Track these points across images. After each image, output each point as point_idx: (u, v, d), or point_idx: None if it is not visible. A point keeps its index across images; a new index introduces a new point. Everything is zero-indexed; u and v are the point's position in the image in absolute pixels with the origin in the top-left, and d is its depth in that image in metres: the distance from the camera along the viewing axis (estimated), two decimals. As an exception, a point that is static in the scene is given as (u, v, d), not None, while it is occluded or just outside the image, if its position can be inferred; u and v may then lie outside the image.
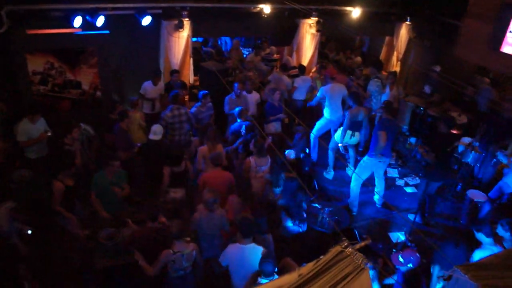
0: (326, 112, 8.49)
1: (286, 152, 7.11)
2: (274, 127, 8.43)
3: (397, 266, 4.95)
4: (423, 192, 7.10)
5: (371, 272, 4.78)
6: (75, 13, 7.55)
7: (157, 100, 8.57)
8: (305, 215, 6.18)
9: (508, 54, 7.47)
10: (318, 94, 8.48)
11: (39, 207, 5.53)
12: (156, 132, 6.87)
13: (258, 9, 9.71)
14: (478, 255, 5.13)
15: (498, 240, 5.24)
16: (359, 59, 12.71)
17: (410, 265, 4.72)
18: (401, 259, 4.77)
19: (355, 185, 7.40)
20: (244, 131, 7.22)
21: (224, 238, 5.56)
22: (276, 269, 4.47)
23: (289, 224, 6.02)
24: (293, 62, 10.99)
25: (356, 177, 7.33)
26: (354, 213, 7.44)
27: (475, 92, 9.21)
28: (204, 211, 5.25)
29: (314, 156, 8.79)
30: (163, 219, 5.35)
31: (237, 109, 7.72)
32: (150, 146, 7.00)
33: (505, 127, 7.81)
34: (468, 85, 9.22)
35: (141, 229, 5.26)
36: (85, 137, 7.28)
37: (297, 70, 10.22)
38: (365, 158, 7.27)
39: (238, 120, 7.64)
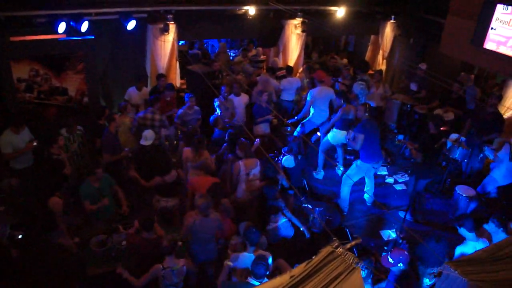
0: (311, 115, 8.52)
1: (283, 159, 7.09)
2: (262, 128, 8.43)
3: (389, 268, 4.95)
4: (413, 190, 7.15)
5: (364, 272, 4.81)
6: (59, 19, 7.50)
7: (142, 106, 8.52)
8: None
9: (491, 51, 7.56)
10: (308, 97, 8.47)
11: (29, 217, 5.45)
12: (147, 137, 6.83)
13: (243, 11, 9.73)
14: (459, 250, 5.19)
15: (481, 234, 5.31)
16: (345, 60, 12.79)
17: (400, 264, 4.72)
18: (390, 260, 4.77)
19: (345, 187, 7.41)
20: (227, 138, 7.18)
21: (218, 239, 5.56)
22: (268, 272, 4.45)
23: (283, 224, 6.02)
24: (280, 63, 11.02)
25: (346, 179, 7.35)
26: (345, 213, 7.46)
27: (461, 89, 9.31)
28: (198, 216, 5.23)
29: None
30: (161, 231, 5.32)
31: (211, 117, 7.70)
32: (141, 151, 6.97)
33: (490, 122, 7.90)
34: (455, 82, 9.32)
35: (134, 237, 5.22)
36: (81, 138, 7.24)
37: (284, 71, 10.24)
38: (358, 162, 7.27)
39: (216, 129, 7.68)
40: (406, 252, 4.82)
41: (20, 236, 5.21)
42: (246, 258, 4.80)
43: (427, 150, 6.74)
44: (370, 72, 10.85)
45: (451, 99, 9.30)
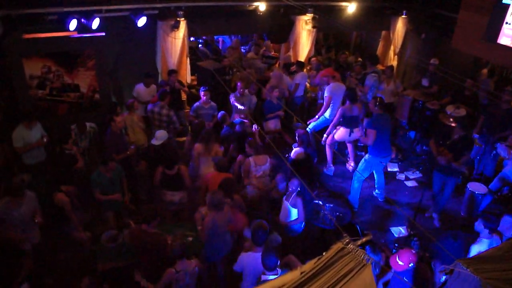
0: (327, 112, 8.46)
1: (293, 152, 7.05)
2: (273, 124, 8.42)
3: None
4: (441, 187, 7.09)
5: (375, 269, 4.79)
6: (70, 16, 7.53)
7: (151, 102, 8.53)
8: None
9: (505, 46, 7.46)
10: (326, 94, 8.40)
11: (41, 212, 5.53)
12: (158, 137, 6.86)
13: (254, 7, 9.69)
14: (474, 249, 5.14)
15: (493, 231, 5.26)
16: (353, 58, 12.69)
17: (411, 264, 4.67)
18: (400, 262, 4.71)
19: (356, 183, 7.39)
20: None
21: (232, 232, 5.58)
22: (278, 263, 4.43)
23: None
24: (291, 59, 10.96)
25: (357, 175, 7.32)
26: (355, 209, 7.44)
27: (474, 85, 9.22)
28: (213, 213, 5.22)
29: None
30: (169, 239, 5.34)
31: (219, 113, 7.69)
32: (150, 149, 7.01)
33: (504, 119, 7.80)
34: (467, 77, 9.25)
35: (134, 231, 5.25)
36: (92, 135, 7.30)
37: (294, 66, 10.20)
38: (367, 156, 7.25)
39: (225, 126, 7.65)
40: (413, 251, 4.76)
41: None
42: (251, 258, 4.80)
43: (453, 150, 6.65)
44: (381, 67, 10.75)
45: (464, 96, 9.20)
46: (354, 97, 7.86)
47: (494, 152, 7.90)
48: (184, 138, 9.08)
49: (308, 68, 10.65)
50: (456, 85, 8.99)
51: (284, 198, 6.02)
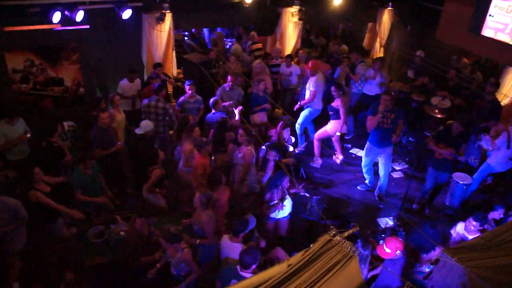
0: (314, 103, 8.49)
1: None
2: (259, 117, 8.40)
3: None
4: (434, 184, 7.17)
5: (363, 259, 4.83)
6: (53, 8, 7.41)
7: (137, 97, 8.48)
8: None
9: (489, 38, 7.53)
10: (312, 88, 8.40)
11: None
12: (142, 126, 6.79)
13: (240, -1, 9.67)
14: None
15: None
16: (345, 47, 12.71)
17: (398, 252, 4.71)
18: (387, 250, 4.75)
19: (365, 164, 7.63)
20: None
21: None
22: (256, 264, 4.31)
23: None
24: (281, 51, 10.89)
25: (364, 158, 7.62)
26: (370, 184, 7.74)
27: (457, 75, 9.31)
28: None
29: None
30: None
31: (212, 99, 7.66)
32: (135, 141, 6.96)
33: (488, 110, 7.90)
34: (451, 68, 9.35)
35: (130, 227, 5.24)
36: (72, 134, 7.21)
37: (280, 60, 10.19)
38: (367, 144, 7.46)
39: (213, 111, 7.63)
40: (400, 239, 4.81)
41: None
42: (230, 247, 4.82)
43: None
44: (369, 59, 10.78)
45: (447, 87, 9.29)
46: (338, 91, 7.87)
47: (479, 142, 8.00)
48: (171, 132, 9.05)
49: (295, 60, 10.63)
50: (440, 76, 9.11)
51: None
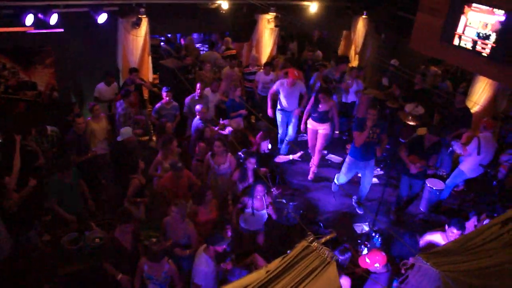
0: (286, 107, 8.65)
1: None
2: (236, 123, 8.41)
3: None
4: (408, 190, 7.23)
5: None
6: (26, 10, 7.26)
7: (113, 101, 8.37)
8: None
9: (459, 47, 7.74)
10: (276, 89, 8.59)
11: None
12: (122, 133, 6.69)
13: (216, 5, 9.66)
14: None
15: None
16: (319, 53, 12.84)
17: (377, 265, 4.79)
18: (367, 260, 4.83)
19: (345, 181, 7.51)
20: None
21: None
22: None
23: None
24: (259, 58, 10.93)
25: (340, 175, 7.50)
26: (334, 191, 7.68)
27: (423, 80, 9.59)
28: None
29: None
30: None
31: (198, 106, 7.61)
32: (117, 148, 6.86)
33: (459, 118, 8.10)
34: (417, 74, 9.64)
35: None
36: (55, 139, 7.05)
37: (256, 68, 10.23)
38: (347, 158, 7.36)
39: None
40: (383, 253, 4.88)
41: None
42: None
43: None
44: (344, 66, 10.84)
45: (414, 91, 9.52)
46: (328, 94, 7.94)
47: (450, 149, 8.20)
48: (147, 138, 8.97)
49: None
50: (408, 81, 9.38)
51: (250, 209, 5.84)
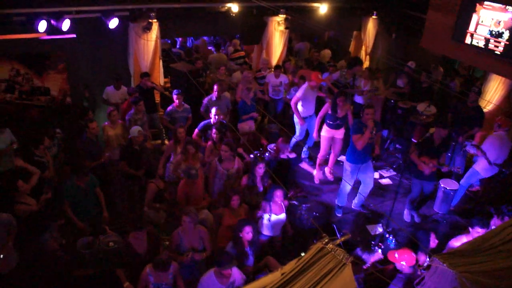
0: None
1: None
2: (248, 125, 8.42)
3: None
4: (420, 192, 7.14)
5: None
6: (39, 17, 7.38)
7: (120, 105, 8.43)
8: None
9: (471, 45, 7.67)
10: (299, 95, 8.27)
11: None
12: (132, 132, 6.77)
13: (226, 8, 9.69)
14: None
15: None
16: (326, 52, 12.82)
17: (403, 263, 4.79)
18: (396, 255, 4.84)
19: (349, 190, 7.27)
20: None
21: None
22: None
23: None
24: (270, 61, 10.92)
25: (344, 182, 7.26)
26: (340, 207, 7.39)
27: (429, 77, 9.53)
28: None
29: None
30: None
31: (213, 110, 7.61)
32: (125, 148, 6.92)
33: (471, 117, 8.02)
34: (424, 71, 9.62)
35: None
36: (58, 142, 7.13)
37: (268, 71, 10.24)
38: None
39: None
40: (414, 255, 4.88)
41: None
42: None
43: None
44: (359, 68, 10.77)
45: (421, 90, 9.46)
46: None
47: (464, 149, 8.13)
48: (159, 141, 9.01)
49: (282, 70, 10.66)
50: (417, 80, 9.46)
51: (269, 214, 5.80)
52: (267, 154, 7.59)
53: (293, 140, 8.53)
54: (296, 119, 8.33)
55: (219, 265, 4.49)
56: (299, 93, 8.11)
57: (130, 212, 6.69)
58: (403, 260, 4.80)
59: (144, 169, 6.91)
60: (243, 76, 9.57)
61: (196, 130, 7.60)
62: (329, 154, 8.25)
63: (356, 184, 7.33)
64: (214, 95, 8.23)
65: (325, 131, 7.86)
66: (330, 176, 8.28)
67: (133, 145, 6.74)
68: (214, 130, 7.03)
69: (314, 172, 8.36)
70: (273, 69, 10.01)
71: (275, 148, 7.50)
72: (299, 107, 8.21)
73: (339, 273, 2.58)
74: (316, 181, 8.25)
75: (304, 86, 8.17)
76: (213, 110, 7.39)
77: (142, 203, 6.41)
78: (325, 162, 8.40)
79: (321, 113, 7.82)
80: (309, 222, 6.33)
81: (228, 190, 6.07)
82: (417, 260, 4.97)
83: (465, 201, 7.74)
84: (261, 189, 6.32)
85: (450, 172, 8.07)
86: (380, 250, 5.98)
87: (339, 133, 7.90)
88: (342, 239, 2.85)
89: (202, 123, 7.63)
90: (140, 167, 6.86)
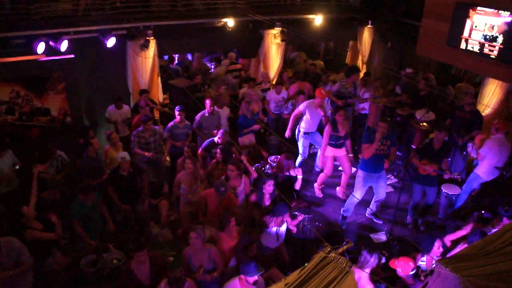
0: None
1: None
2: (248, 139, 8.46)
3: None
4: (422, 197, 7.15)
5: None
6: (37, 39, 7.45)
7: (120, 124, 8.50)
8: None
9: (466, 50, 7.74)
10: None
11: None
12: (118, 157, 6.78)
13: (222, 23, 9.79)
14: None
15: None
16: (320, 62, 12.91)
17: (399, 270, 4.82)
18: (396, 263, 4.88)
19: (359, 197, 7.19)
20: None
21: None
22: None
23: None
24: (270, 75, 10.99)
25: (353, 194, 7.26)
26: (346, 216, 7.39)
27: (427, 84, 9.57)
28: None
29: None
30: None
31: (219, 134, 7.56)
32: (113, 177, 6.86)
33: (469, 121, 8.05)
34: (423, 79, 9.68)
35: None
36: (60, 164, 7.14)
37: (268, 84, 10.30)
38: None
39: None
40: (411, 263, 4.94)
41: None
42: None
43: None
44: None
45: (420, 97, 9.50)
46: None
47: (464, 152, 8.15)
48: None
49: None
50: (415, 87, 9.46)
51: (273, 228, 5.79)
52: (267, 166, 7.61)
53: (300, 159, 8.45)
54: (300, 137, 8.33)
55: (245, 273, 4.53)
56: (301, 107, 8.10)
57: (132, 231, 6.67)
58: (399, 267, 4.82)
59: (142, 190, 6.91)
60: (245, 92, 9.61)
61: (200, 149, 7.62)
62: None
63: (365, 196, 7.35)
64: (206, 110, 8.26)
65: (328, 151, 7.83)
66: (343, 196, 8.15)
67: (121, 170, 6.71)
68: (218, 150, 7.03)
69: (315, 185, 8.31)
70: (273, 85, 10.06)
71: (275, 161, 7.51)
72: (303, 122, 8.17)
73: (343, 281, 2.59)
74: (319, 195, 8.21)
75: (307, 102, 8.13)
76: (219, 134, 7.44)
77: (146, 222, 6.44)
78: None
79: (324, 141, 7.69)
80: (312, 232, 6.32)
81: (224, 211, 5.95)
82: (418, 267, 4.98)
83: (468, 205, 7.72)
84: (266, 204, 6.35)
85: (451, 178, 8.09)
86: (384, 258, 5.98)
87: (341, 151, 7.85)
88: (345, 247, 2.86)
89: (206, 142, 7.66)
90: (128, 194, 6.76)
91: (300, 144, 8.41)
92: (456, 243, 5.57)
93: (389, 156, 7.01)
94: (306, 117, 8.05)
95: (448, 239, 5.63)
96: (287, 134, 8.26)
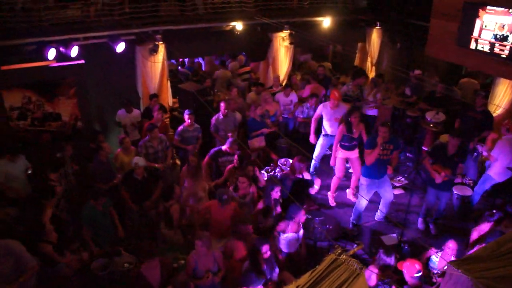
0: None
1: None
2: (257, 142, 8.46)
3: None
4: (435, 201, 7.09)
5: None
6: (48, 45, 7.53)
7: (129, 127, 8.52)
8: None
9: (476, 50, 7.68)
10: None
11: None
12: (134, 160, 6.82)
13: (231, 27, 9.83)
14: None
15: None
16: (328, 64, 12.89)
17: (404, 271, 4.79)
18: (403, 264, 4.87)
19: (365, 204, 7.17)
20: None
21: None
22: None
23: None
24: (280, 78, 10.94)
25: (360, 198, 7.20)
26: (353, 221, 7.34)
27: (446, 86, 9.52)
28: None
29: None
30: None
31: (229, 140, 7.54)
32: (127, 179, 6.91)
33: (480, 121, 7.99)
34: (438, 82, 9.62)
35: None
36: (70, 168, 7.21)
37: (280, 88, 10.30)
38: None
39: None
40: (417, 265, 4.90)
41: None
42: None
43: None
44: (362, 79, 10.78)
45: (435, 99, 9.44)
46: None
47: (475, 154, 8.08)
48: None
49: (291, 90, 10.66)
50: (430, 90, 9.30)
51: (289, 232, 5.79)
52: (277, 169, 7.61)
53: (313, 162, 8.42)
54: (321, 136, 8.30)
55: (248, 285, 4.55)
56: (318, 110, 8.14)
57: (143, 236, 6.68)
58: (405, 269, 4.80)
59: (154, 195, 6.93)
60: (251, 98, 9.60)
61: (207, 157, 7.60)
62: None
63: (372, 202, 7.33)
64: (221, 113, 8.29)
65: (340, 153, 7.78)
66: (353, 198, 8.10)
67: (135, 174, 6.75)
68: (236, 156, 7.03)
69: (329, 194, 8.20)
70: (282, 87, 10.05)
71: (285, 163, 7.50)
72: (325, 125, 8.12)
73: (354, 283, 2.58)
74: (332, 203, 8.09)
75: (322, 105, 8.14)
76: (228, 142, 7.44)
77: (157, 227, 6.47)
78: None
79: (338, 136, 7.62)
80: (323, 234, 6.30)
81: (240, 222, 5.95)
82: (429, 270, 4.96)
83: (480, 207, 7.65)
84: (278, 211, 6.34)
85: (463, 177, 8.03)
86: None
87: (354, 153, 7.79)
88: (355, 249, 2.86)
89: (212, 150, 7.63)
90: (141, 198, 6.77)
91: (318, 143, 8.36)
92: (473, 245, 5.54)
93: (392, 161, 6.96)
94: (324, 119, 8.08)
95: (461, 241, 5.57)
96: (311, 139, 8.31)
